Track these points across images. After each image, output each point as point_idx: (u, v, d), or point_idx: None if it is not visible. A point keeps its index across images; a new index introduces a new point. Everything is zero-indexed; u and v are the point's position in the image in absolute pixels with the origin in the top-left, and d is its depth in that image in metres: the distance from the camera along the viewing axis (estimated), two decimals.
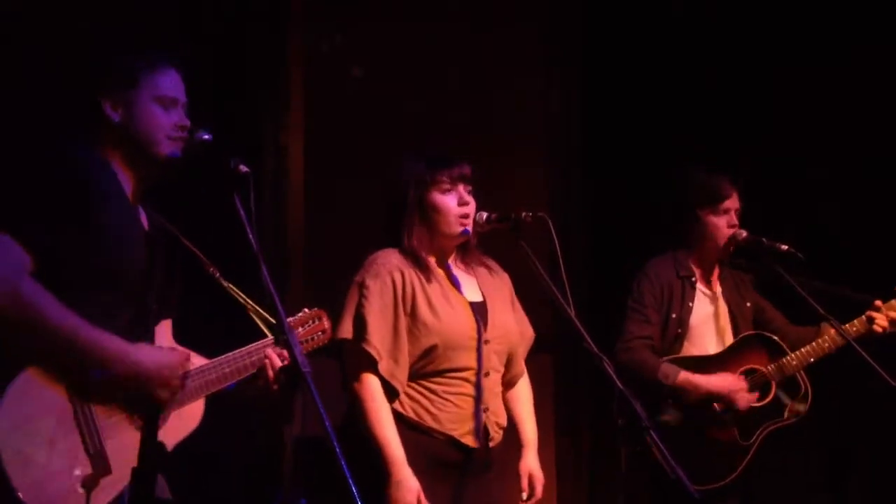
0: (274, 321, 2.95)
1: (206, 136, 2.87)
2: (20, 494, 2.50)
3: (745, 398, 4.28)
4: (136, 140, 2.82)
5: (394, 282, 3.47)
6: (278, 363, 2.94)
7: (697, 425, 4.28)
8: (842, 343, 4.26)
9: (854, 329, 4.30)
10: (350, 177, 5.18)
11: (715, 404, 4.28)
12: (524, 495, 3.66)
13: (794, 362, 4.34)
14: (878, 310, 4.33)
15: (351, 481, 2.45)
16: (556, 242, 3.39)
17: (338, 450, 2.46)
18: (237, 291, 2.96)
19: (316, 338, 3.20)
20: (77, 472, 2.57)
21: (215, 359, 2.86)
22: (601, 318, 4.44)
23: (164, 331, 2.98)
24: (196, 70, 4.61)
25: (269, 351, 2.93)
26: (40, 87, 3.83)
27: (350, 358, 3.44)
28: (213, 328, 2.96)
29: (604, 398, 4.39)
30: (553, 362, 5.41)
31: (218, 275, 2.93)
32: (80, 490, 2.55)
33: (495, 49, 5.71)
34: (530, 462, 3.69)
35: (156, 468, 2.50)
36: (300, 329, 3.14)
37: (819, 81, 5.40)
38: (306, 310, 3.19)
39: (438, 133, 5.29)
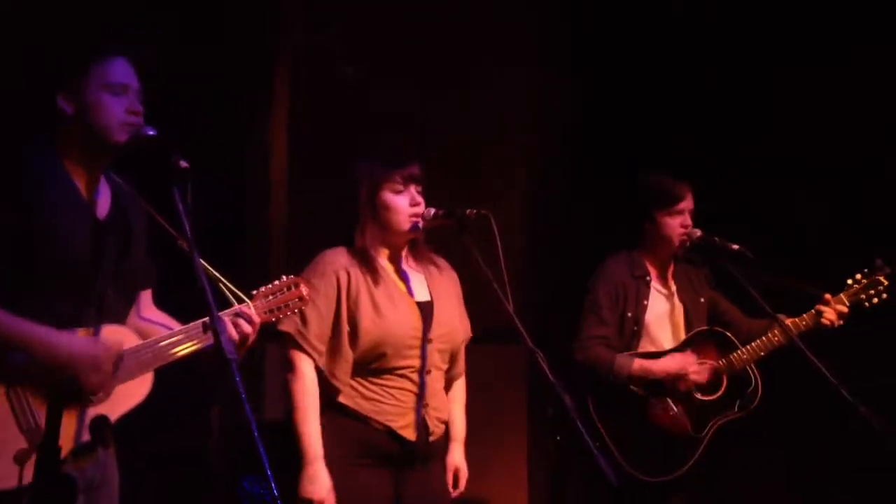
0: (242, 295, 3.05)
1: (151, 132, 2.89)
2: None
3: (698, 370, 4.41)
4: (91, 129, 2.88)
5: (339, 281, 3.59)
6: (234, 334, 2.96)
7: (652, 419, 4.41)
8: (789, 339, 4.35)
9: (804, 323, 4.40)
10: (333, 171, 5.27)
11: (675, 385, 4.39)
12: (449, 487, 3.79)
13: (745, 356, 4.45)
14: (826, 303, 4.42)
15: (267, 468, 2.51)
16: (498, 239, 3.49)
17: (256, 435, 2.52)
18: (207, 266, 3.01)
19: (291, 304, 3.17)
20: (10, 448, 2.66)
21: (149, 339, 2.93)
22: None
23: (145, 301, 3.11)
24: (181, 65, 4.73)
25: (227, 320, 2.96)
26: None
27: (289, 352, 3.57)
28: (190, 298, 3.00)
29: (575, 390, 4.47)
30: (526, 354, 5.50)
31: (187, 249, 2.98)
32: (14, 465, 2.63)
33: (486, 47, 5.79)
34: (456, 457, 3.83)
35: (58, 448, 2.60)
36: (271, 297, 3.13)
37: (819, 81, 5.43)
38: (284, 277, 3.20)
39: (422, 129, 5.38)
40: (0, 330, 2.70)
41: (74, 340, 2.78)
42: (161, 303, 3.18)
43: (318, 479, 3.47)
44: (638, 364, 4.38)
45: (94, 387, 2.79)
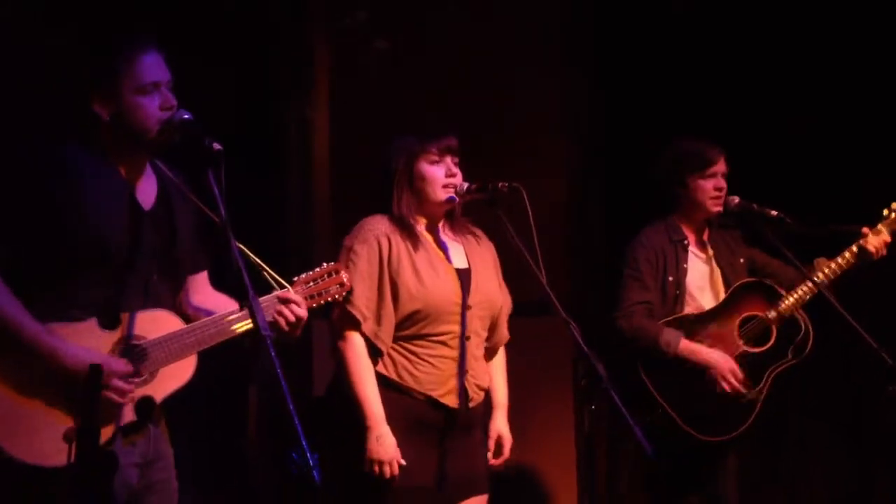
0: (283, 281, 3.11)
1: (186, 116, 2.93)
2: (9, 450, 2.75)
3: (733, 383, 4.36)
4: (129, 131, 2.93)
5: (380, 246, 3.66)
6: (291, 316, 3.04)
7: (709, 379, 4.39)
8: (834, 277, 4.40)
9: (844, 261, 4.41)
10: (376, 147, 5.35)
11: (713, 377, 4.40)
12: (490, 455, 3.82)
13: (790, 302, 4.44)
14: (865, 236, 4.43)
15: (303, 438, 2.60)
16: (530, 212, 3.54)
17: (292, 409, 2.60)
18: (249, 253, 3.07)
19: (332, 290, 3.25)
20: (60, 426, 2.75)
21: (193, 323, 2.99)
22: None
23: (199, 284, 3.20)
24: (221, 47, 4.78)
25: (282, 307, 3.03)
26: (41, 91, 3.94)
27: (337, 318, 3.64)
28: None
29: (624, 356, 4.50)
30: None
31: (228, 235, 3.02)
32: (63, 443, 2.71)
33: (516, 28, 5.81)
34: (499, 423, 3.86)
35: (97, 425, 2.68)
36: (311, 284, 3.21)
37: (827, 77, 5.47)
38: (324, 264, 3.28)
39: (458, 107, 5.41)
40: (21, 336, 2.78)
41: (75, 353, 2.80)
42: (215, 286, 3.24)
43: (385, 440, 3.53)
44: (685, 345, 4.36)
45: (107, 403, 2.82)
